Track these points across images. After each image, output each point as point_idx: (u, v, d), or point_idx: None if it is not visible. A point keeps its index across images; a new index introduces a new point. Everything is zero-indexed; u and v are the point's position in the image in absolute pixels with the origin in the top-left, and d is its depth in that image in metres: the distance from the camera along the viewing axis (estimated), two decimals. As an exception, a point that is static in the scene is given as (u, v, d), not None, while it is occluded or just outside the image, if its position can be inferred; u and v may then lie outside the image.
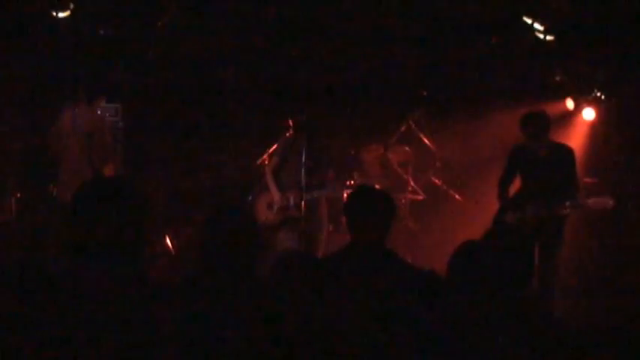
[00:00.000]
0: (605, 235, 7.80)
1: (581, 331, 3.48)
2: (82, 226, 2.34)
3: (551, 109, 7.26)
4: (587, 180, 7.42)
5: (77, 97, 6.46)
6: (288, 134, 7.36)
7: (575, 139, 7.78)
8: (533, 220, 6.28)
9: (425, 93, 8.31)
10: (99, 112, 6.66)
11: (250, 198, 7.14)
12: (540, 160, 6.40)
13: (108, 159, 6.31)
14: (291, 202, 6.70)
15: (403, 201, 7.89)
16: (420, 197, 8.03)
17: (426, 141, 7.97)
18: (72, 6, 6.84)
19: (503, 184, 6.64)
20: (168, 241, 7.70)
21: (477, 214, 7.11)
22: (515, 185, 6.67)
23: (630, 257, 7.52)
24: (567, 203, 6.22)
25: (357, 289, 3.63)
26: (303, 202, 6.54)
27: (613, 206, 6.17)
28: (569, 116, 7.98)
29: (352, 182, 7.58)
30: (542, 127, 6.38)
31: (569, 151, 6.48)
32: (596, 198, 6.25)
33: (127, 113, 7.09)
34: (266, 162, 7.59)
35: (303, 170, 6.56)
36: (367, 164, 7.95)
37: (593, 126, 8.07)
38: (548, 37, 7.31)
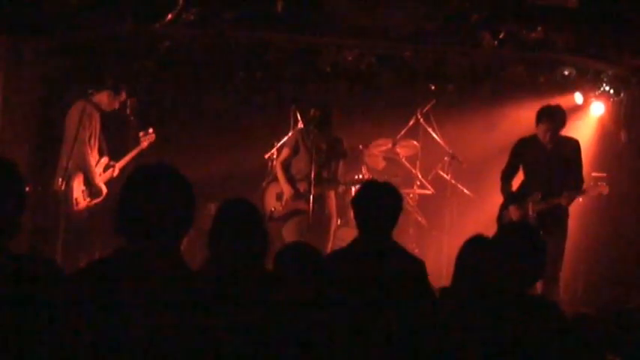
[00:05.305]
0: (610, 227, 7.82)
1: (582, 321, 3.50)
2: (134, 209, 2.39)
3: (560, 103, 7.24)
4: (596, 174, 7.40)
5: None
6: (298, 127, 7.38)
7: (584, 133, 7.77)
8: (534, 216, 6.27)
9: (434, 87, 8.31)
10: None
11: (260, 189, 7.16)
12: (547, 153, 6.38)
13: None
14: (302, 193, 6.72)
15: (412, 195, 7.90)
16: (429, 192, 8.03)
17: (435, 135, 7.96)
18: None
19: (506, 176, 6.55)
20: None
21: (486, 209, 7.11)
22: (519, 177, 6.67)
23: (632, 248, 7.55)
24: (564, 193, 6.26)
25: (364, 283, 3.65)
26: (311, 196, 6.56)
27: (607, 192, 6.49)
28: (578, 110, 7.96)
29: (361, 176, 7.60)
30: (560, 123, 6.35)
31: (575, 145, 6.46)
32: (592, 185, 6.54)
33: (138, 106, 7.10)
34: (274, 155, 7.61)
35: (313, 164, 6.58)
36: (371, 159, 7.96)
37: (602, 120, 8.06)
38: (557, 31, 7.29)
